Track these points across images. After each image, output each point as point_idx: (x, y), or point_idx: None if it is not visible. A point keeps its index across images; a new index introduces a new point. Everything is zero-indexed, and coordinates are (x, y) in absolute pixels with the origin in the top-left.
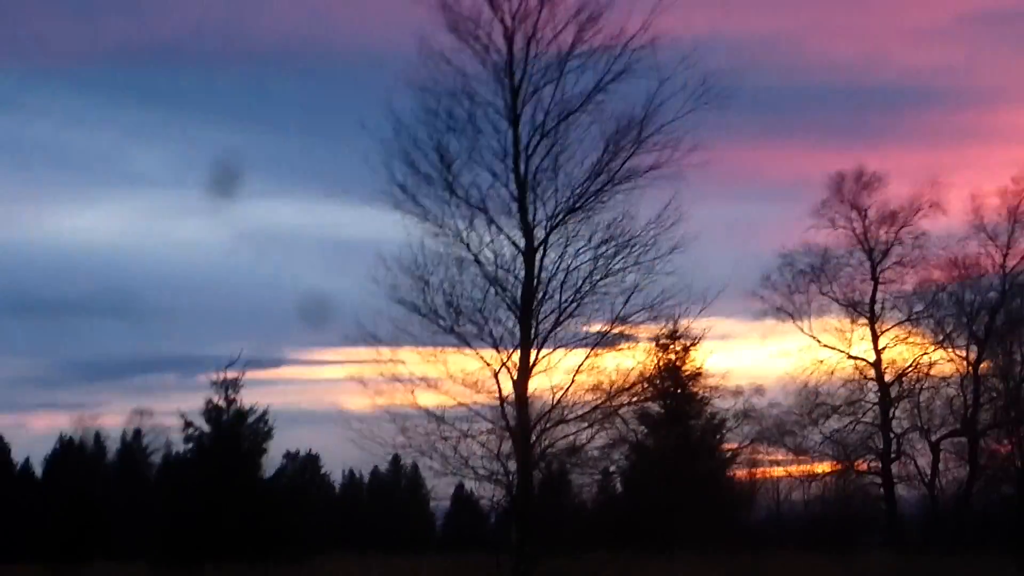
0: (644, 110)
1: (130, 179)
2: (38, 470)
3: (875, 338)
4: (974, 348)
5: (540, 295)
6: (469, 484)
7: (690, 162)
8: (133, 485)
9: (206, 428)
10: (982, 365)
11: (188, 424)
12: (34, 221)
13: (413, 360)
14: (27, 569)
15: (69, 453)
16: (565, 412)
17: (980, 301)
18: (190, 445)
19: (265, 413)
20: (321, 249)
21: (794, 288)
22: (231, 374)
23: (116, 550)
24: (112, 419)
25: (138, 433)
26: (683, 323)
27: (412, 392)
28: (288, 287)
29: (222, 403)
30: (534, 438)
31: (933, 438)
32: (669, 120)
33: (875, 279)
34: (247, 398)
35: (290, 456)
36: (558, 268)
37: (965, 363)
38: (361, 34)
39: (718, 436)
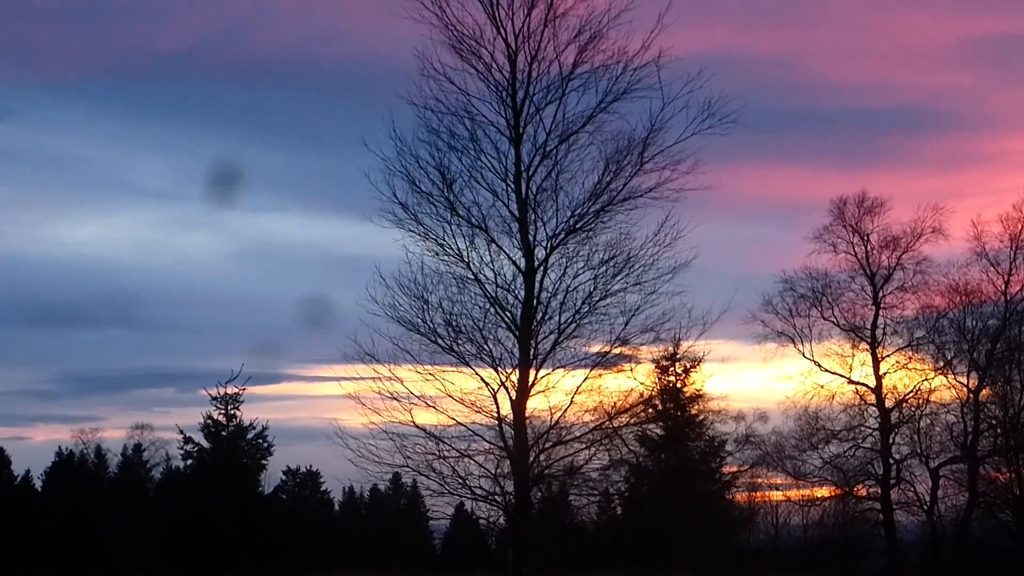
0: (646, 131)
1: (132, 190)
2: (38, 483)
3: (876, 363)
4: (975, 375)
5: (540, 315)
6: (468, 504)
7: (692, 184)
8: (133, 499)
9: (205, 444)
10: (982, 392)
11: (187, 439)
12: (35, 231)
13: (411, 378)
14: None
15: (69, 467)
16: (563, 433)
17: (981, 328)
18: (189, 461)
19: (265, 429)
20: (320, 265)
21: (795, 312)
22: (231, 389)
23: (115, 564)
24: (112, 433)
25: (138, 447)
26: (683, 345)
27: (410, 411)
28: (287, 302)
29: (221, 418)
30: (532, 458)
31: (933, 464)
32: (671, 143)
33: (877, 304)
34: (247, 413)
35: (290, 472)
36: (558, 288)
37: (965, 390)
38: (362, 51)
39: (718, 459)
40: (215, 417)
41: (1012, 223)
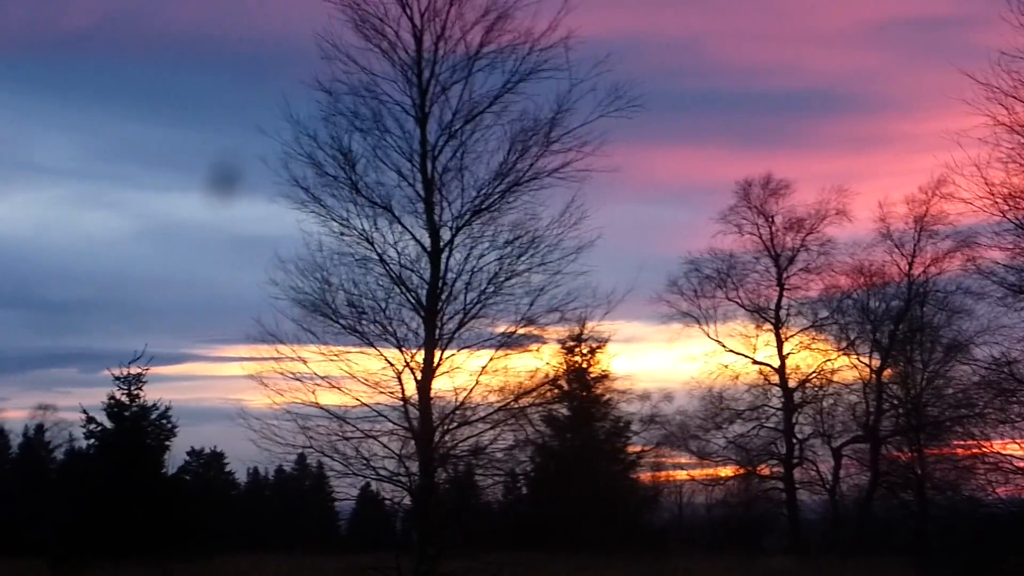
0: (552, 112)
1: (34, 169)
2: None
3: (780, 344)
4: (877, 355)
5: (445, 295)
6: (373, 485)
7: (598, 165)
8: (34, 481)
9: (108, 424)
10: (885, 372)
11: (90, 420)
12: None
13: (315, 359)
14: None
15: None
16: (469, 413)
17: (884, 309)
18: (92, 441)
19: (168, 409)
20: (223, 245)
21: (700, 293)
22: (134, 369)
23: (16, 546)
24: (14, 414)
25: (40, 428)
26: (589, 325)
27: (313, 391)
28: (190, 282)
29: (124, 399)
30: (437, 439)
31: (835, 444)
32: (578, 124)
33: (781, 285)
34: (150, 394)
35: (194, 453)
36: (463, 269)
37: (868, 370)
38: (268, 29)
39: (623, 439)
40: (118, 398)
41: (917, 204)
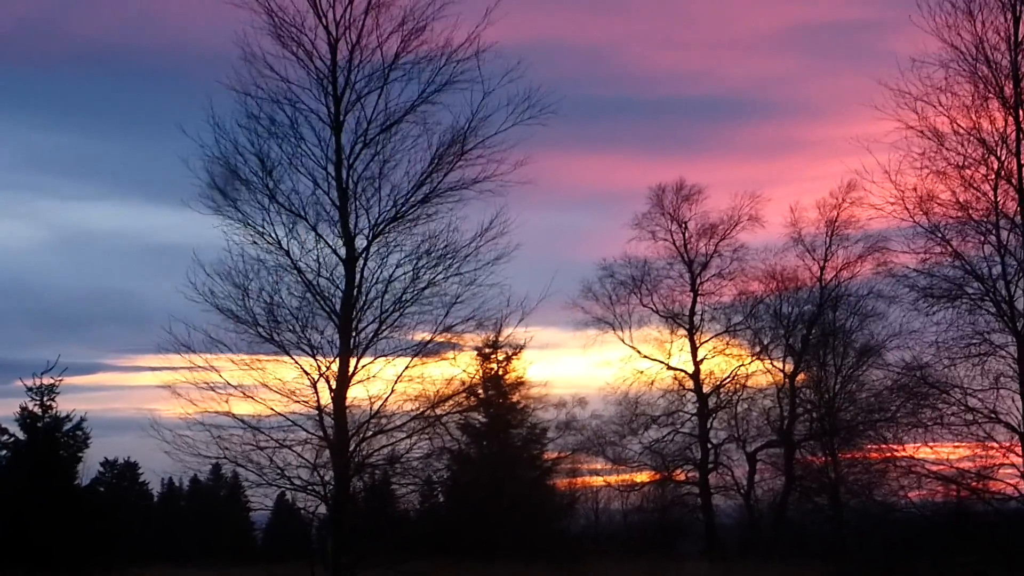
0: (468, 122)
1: None
2: None
3: (694, 349)
4: (790, 360)
5: (361, 304)
6: (289, 494)
7: (515, 175)
8: None
9: (21, 435)
10: (798, 377)
11: (2, 431)
12: None
13: (228, 368)
14: None
15: None
16: (384, 422)
17: (797, 313)
18: (4, 452)
19: (82, 420)
20: (138, 254)
21: (615, 299)
22: (46, 380)
23: None
24: None
25: None
26: (504, 332)
27: (227, 401)
28: (104, 292)
29: (37, 409)
30: (352, 447)
31: (750, 449)
32: (492, 133)
33: (695, 291)
34: (63, 404)
35: (107, 464)
36: (379, 278)
37: (781, 375)
38: (184, 36)
39: (539, 446)
40: (31, 408)
41: (828, 209)
